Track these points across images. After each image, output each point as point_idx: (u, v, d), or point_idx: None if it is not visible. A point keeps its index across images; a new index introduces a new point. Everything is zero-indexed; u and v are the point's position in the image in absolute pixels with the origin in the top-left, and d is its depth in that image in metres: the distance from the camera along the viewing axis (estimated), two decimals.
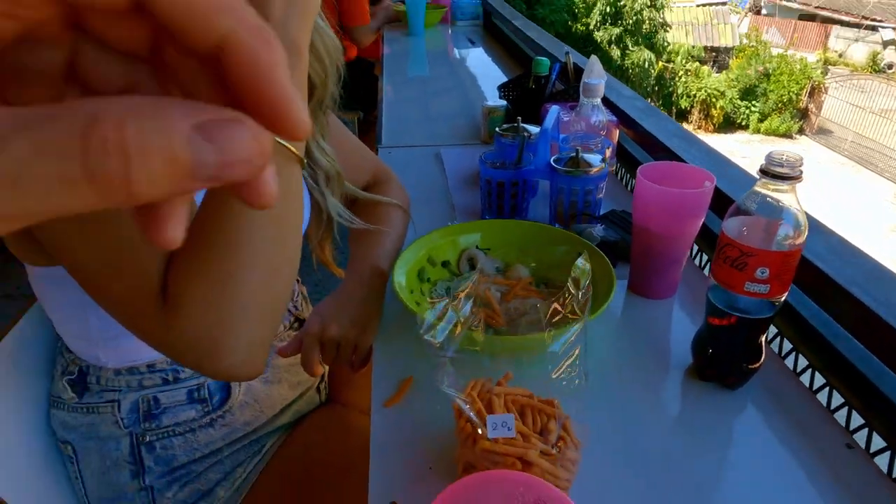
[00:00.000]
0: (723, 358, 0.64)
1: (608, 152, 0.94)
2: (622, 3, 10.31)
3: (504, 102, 1.40)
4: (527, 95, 1.35)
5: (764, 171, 0.55)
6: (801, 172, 0.54)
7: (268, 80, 0.13)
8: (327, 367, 0.91)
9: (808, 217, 0.59)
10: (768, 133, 11.94)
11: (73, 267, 0.49)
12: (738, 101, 12.10)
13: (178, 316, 0.44)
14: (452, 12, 2.77)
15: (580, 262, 0.47)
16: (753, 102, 12.13)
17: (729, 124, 12.23)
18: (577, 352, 0.46)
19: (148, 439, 0.71)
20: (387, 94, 1.82)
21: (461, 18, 2.76)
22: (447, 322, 0.48)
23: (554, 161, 0.92)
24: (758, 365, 0.63)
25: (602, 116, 1.06)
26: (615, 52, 10.40)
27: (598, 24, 10.45)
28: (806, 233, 0.56)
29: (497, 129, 1.08)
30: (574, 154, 0.91)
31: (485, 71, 2.11)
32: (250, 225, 0.44)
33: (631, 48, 10.51)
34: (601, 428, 0.59)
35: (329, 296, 0.72)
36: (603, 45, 10.31)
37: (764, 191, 0.56)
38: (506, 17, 2.34)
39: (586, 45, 9.91)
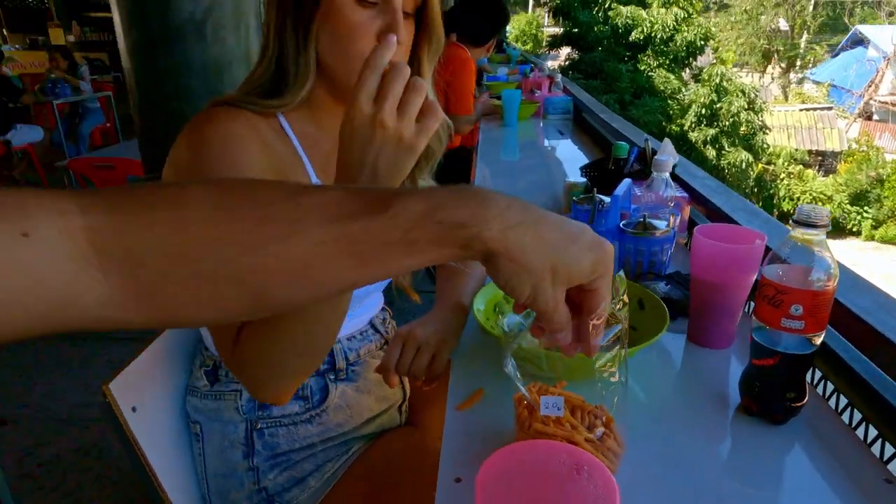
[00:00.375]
0: (768, 394, 0.70)
1: (673, 219, 1.03)
2: (718, 105, 10.41)
3: (584, 179, 1.54)
4: (606, 174, 1.49)
5: (796, 221, 0.64)
6: (829, 223, 0.62)
7: (592, 348, 0.49)
8: (408, 388, 1.02)
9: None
10: (884, 241, 11.16)
11: None
12: (848, 207, 11.51)
13: (240, 359, 0.64)
14: (545, 107, 3.01)
15: (620, 273, 0.57)
16: (866, 208, 11.48)
17: (838, 230, 11.57)
18: (616, 353, 0.56)
19: (259, 426, 0.85)
20: (480, 171, 2.02)
21: (552, 113, 2.99)
22: (514, 319, 0.59)
23: (623, 224, 1.03)
24: (802, 403, 0.68)
25: (672, 192, 1.17)
26: (710, 153, 10.39)
27: (693, 126, 10.56)
28: (837, 276, 0.63)
29: (574, 197, 1.21)
30: (642, 219, 1.02)
31: (571, 156, 2.28)
32: (304, 324, 0.62)
33: (727, 149, 10.45)
34: (651, 448, 0.66)
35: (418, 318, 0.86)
36: (698, 144, 10.35)
37: (797, 239, 0.64)
38: (594, 112, 2.53)
39: (681, 144, 9.99)
